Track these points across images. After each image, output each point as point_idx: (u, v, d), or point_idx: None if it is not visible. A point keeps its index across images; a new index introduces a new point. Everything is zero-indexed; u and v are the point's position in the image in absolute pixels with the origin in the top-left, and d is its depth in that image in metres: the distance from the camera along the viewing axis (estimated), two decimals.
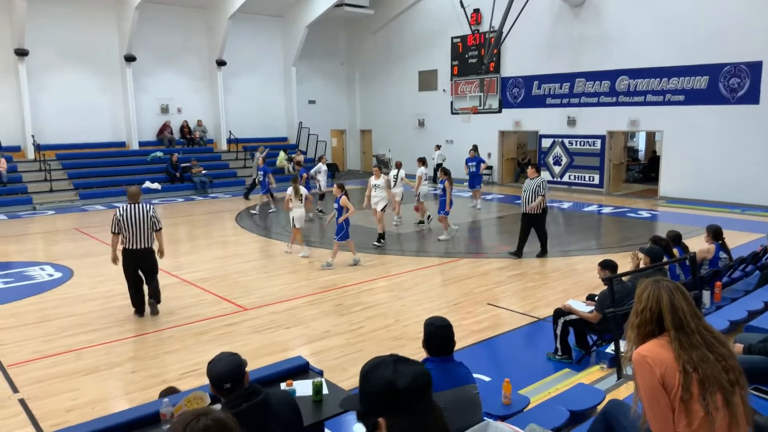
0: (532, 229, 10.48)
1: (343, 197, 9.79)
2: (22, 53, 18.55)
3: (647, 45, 17.18)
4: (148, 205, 7.56)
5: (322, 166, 15.99)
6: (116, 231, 7.37)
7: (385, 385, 1.55)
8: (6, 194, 17.39)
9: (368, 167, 27.65)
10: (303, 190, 11.42)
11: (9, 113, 18.92)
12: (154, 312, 7.63)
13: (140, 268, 7.52)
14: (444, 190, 11.97)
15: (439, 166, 21.94)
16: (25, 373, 5.92)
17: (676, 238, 7.23)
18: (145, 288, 7.67)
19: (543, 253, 10.61)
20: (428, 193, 14.60)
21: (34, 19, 18.44)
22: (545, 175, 19.00)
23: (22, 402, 5.30)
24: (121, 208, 7.37)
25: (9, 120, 18.94)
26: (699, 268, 6.67)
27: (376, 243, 11.49)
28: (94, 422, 3.39)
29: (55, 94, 19.64)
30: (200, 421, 1.46)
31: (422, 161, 14.12)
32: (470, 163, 16.15)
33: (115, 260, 7.49)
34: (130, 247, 7.37)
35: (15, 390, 5.54)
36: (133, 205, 7.40)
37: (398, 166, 14.03)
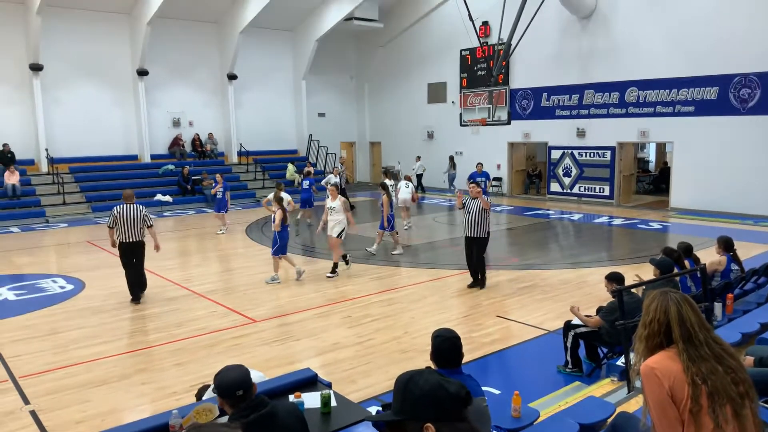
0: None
1: (279, 212, 9.82)
2: (36, 68, 18.85)
3: (656, 56, 17.17)
4: (140, 206, 8.83)
5: (332, 177, 16.29)
6: (112, 225, 8.73)
7: (437, 388, 1.53)
8: (19, 207, 17.58)
9: (377, 179, 27.69)
10: (286, 196, 11.47)
11: (23, 127, 19.19)
12: (137, 300, 8.78)
13: (133, 256, 8.84)
14: (382, 205, 11.84)
15: (419, 177, 22.42)
16: (37, 385, 5.96)
17: (687, 250, 7.18)
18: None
19: (482, 283, 9.36)
20: (407, 199, 14.50)
21: (48, 35, 18.75)
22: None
23: (33, 414, 5.33)
24: (118, 207, 8.70)
25: (23, 134, 19.21)
26: (710, 280, 6.62)
27: (329, 274, 10.21)
28: None
29: (68, 108, 19.90)
30: None
31: (385, 173, 14.54)
32: (478, 179, 16.01)
33: (114, 244, 8.86)
34: (124, 240, 8.72)
35: (26, 401, 5.58)
36: (128, 205, 8.70)
37: (395, 176, 14.76)
